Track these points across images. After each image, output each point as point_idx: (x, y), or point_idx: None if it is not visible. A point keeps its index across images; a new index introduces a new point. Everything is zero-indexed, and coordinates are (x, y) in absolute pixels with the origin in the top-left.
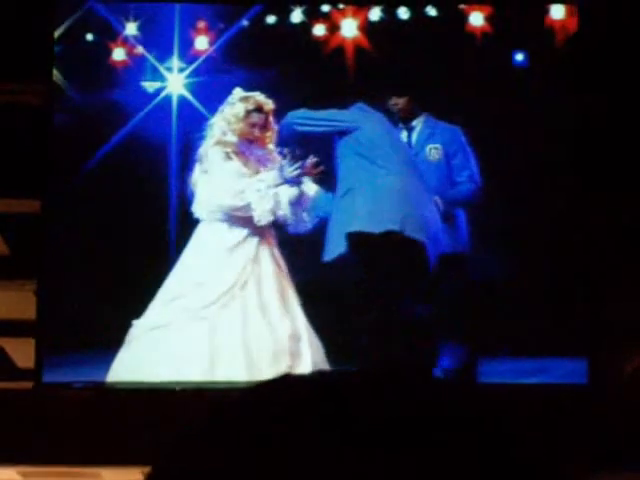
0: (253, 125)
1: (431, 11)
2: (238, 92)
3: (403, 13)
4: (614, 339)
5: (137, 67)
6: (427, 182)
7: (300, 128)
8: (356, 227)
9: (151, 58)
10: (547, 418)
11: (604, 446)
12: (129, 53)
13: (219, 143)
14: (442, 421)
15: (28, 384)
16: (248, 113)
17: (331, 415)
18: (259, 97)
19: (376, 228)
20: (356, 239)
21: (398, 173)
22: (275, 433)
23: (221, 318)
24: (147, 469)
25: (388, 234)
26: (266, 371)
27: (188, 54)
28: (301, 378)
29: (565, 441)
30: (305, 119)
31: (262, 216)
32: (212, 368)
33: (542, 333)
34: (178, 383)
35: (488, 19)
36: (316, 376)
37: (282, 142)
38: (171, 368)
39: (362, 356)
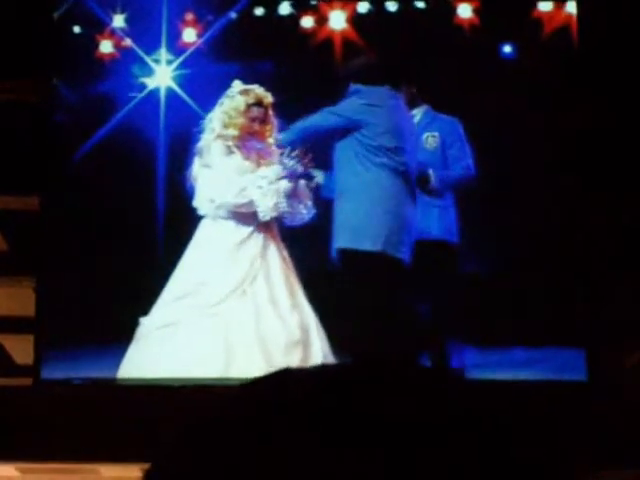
0: (253, 119)
1: (419, 3)
2: (237, 85)
3: (391, 5)
4: (614, 338)
5: (125, 59)
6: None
7: (302, 143)
8: (343, 243)
9: (139, 50)
10: (546, 415)
11: (604, 444)
12: (116, 45)
13: (220, 137)
14: (442, 420)
15: (27, 380)
16: (248, 107)
17: (331, 414)
18: (258, 90)
19: (361, 245)
20: (343, 255)
21: (392, 169)
22: (275, 432)
23: (233, 314)
24: (146, 466)
25: (372, 254)
26: (281, 364)
27: (176, 46)
28: (302, 373)
29: (565, 439)
30: (304, 136)
31: (266, 212)
32: (228, 364)
33: (542, 331)
34: (191, 380)
35: (476, 11)
36: (317, 371)
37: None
38: (183, 365)
39: (364, 346)
